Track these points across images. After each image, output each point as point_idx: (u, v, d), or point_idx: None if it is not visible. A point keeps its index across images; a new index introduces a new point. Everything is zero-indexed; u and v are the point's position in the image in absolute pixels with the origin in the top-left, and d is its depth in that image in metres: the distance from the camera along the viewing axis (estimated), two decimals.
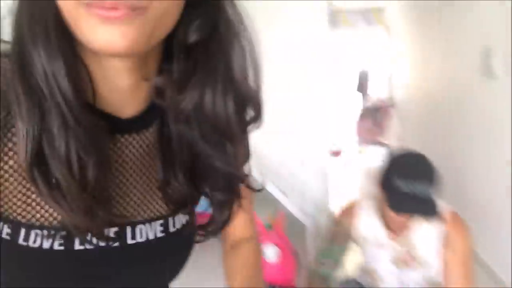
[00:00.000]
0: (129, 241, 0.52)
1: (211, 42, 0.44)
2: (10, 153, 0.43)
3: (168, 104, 0.46)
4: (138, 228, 0.52)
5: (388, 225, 1.40)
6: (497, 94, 2.55)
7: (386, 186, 1.28)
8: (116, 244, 0.51)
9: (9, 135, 0.43)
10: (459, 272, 1.33)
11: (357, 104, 5.70)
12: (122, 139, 0.49)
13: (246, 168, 0.58)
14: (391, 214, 1.30)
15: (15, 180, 0.44)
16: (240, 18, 0.46)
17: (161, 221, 0.55)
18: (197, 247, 0.61)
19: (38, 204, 0.45)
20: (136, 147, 0.50)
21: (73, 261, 0.48)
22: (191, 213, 0.58)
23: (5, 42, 0.43)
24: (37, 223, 0.46)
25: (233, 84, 0.46)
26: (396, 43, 4.83)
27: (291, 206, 2.84)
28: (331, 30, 3.47)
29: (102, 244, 0.49)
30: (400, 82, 4.80)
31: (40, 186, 0.41)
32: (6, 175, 0.44)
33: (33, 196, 0.45)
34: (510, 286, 2.35)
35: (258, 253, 0.78)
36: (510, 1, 1.78)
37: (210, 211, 0.56)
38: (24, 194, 0.45)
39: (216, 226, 0.56)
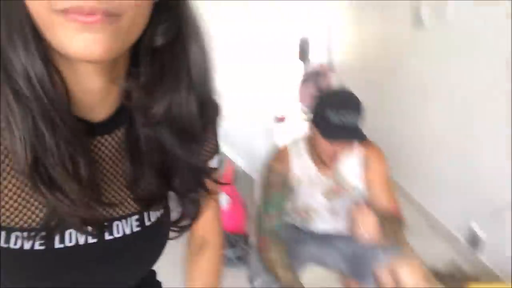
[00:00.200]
0: (107, 237, 0.54)
1: (175, 45, 0.46)
2: None
3: (135, 106, 0.48)
4: (115, 224, 0.55)
5: (318, 162, 1.50)
6: (427, 44, 2.71)
7: (319, 119, 1.38)
8: (94, 240, 0.53)
9: None
10: (381, 187, 1.51)
11: (298, 71, 5.80)
12: (95, 141, 0.51)
13: (215, 162, 0.63)
14: (324, 146, 1.39)
15: None
16: (198, 20, 0.48)
17: (136, 216, 0.57)
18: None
19: (16, 208, 0.47)
20: (108, 147, 0.52)
21: (54, 259, 0.50)
22: (166, 207, 0.60)
23: None
24: (17, 226, 0.47)
25: (195, 84, 0.48)
26: (332, 8, 4.95)
27: (241, 161, 2.87)
28: None
29: (80, 241, 0.52)
30: (338, 46, 4.95)
31: (42, 189, 0.43)
32: None
33: (11, 201, 0.46)
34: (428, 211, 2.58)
35: (219, 260, 0.81)
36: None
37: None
38: (2, 199, 0.46)
39: (187, 221, 0.59)
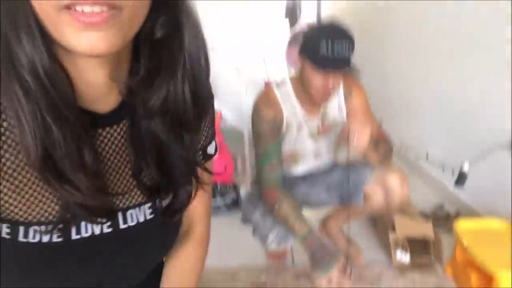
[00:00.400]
0: (122, 225, 0.56)
1: (173, 37, 0.48)
2: (6, 156, 0.45)
3: (136, 100, 0.49)
4: (129, 213, 0.57)
5: (306, 104, 1.52)
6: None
7: (311, 51, 1.38)
8: (110, 230, 0.55)
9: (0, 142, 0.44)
10: (365, 115, 1.58)
11: (286, 32, 5.72)
12: (100, 133, 0.52)
13: (212, 148, 0.65)
14: (316, 81, 1.40)
15: (8, 181, 0.46)
16: (194, 12, 0.49)
17: (149, 204, 0.59)
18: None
19: (33, 202, 0.48)
20: (111, 140, 0.53)
21: (71, 250, 0.52)
22: (176, 194, 0.60)
23: None
24: (35, 220, 0.49)
25: (190, 76, 0.50)
26: None
27: (230, 115, 2.88)
28: None
29: (96, 232, 0.54)
30: (326, 5, 4.88)
31: (52, 182, 0.44)
32: None
33: (27, 195, 0.48)
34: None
35: (201, 257, 0.75)
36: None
37: None
38: (19, 194, 0.47)
39: (179, 205, 0.60)
